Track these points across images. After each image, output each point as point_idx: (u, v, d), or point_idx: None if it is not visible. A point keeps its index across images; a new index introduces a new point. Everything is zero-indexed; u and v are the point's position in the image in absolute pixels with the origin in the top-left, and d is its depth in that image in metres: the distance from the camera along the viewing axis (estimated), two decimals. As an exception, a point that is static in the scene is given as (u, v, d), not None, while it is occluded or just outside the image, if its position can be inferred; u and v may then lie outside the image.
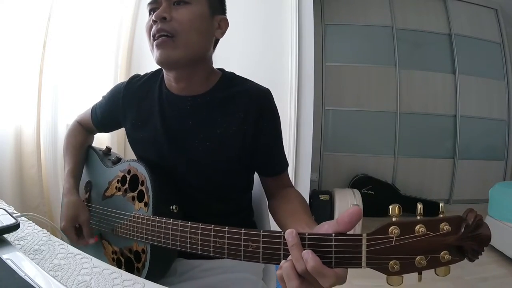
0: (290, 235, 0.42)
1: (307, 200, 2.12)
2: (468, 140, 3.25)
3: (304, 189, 1.96)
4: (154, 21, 0.61)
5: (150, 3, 0.65)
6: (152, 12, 0.65)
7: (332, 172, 3.21)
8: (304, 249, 0.41)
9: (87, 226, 0.72)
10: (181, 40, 0.61)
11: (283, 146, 0.75)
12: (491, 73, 3.29)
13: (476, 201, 3.13)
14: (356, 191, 2.43)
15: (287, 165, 0.75)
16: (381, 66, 3.19)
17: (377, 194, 2.90)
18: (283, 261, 0.43)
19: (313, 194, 2.44)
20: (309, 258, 0.40)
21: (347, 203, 2.32)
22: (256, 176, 0.79)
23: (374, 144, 3.24)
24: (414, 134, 3.24)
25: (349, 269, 0.42)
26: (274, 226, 0.72)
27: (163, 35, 0.61)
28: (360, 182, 2.95)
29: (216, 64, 0.74)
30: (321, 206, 2.39)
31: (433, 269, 0.38)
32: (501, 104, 3.29)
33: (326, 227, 0.44)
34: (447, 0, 3.25)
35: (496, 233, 2.06)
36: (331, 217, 2.33)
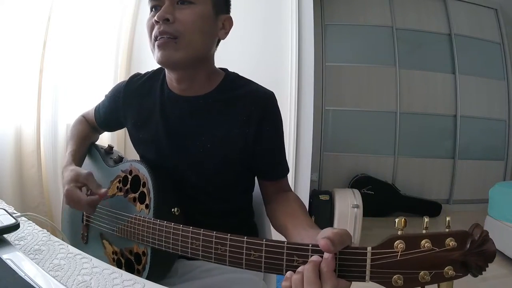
0: (331, 261, 0.39)
1: (307, 200, 2.12)
2: (468, 140, 3.25)
3: (304, 189, 1.95)
4: (156, 22, 0.59)
5: (152, 0, 0.63)
6: (154, 9, 0.63)
7: (332, 172, 3.21)
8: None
9: (93, 181, 0.65)
10: (183, 42, 0.60)
11: (284, 151, 0.74)
12: (491, 73, 3.28)
13: (476, 201, 3.14)
14: (356, 191, 2.43)
15: (288, 170, 0.74)
16: (381, 66, 3.19)
17: (377, 194, 2.90)
18: (290, 273, 0.42)
19: (313, 194, 2.43)
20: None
21: (347, 203, 2.31)
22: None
23: (374, 144, 3.24)
24: (414, 134, 3.24)
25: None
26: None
27: (165, 36, 0.60)
28: (360, 182, 2.95)
29: (216, 64, 0.73)
30: (321, 206, 2.37)
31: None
32: (501, 104, 3.29)
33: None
34: (447, 0, 3.25)
35: (496, 233, 2.06)
36: (331, 217, 2.32)
